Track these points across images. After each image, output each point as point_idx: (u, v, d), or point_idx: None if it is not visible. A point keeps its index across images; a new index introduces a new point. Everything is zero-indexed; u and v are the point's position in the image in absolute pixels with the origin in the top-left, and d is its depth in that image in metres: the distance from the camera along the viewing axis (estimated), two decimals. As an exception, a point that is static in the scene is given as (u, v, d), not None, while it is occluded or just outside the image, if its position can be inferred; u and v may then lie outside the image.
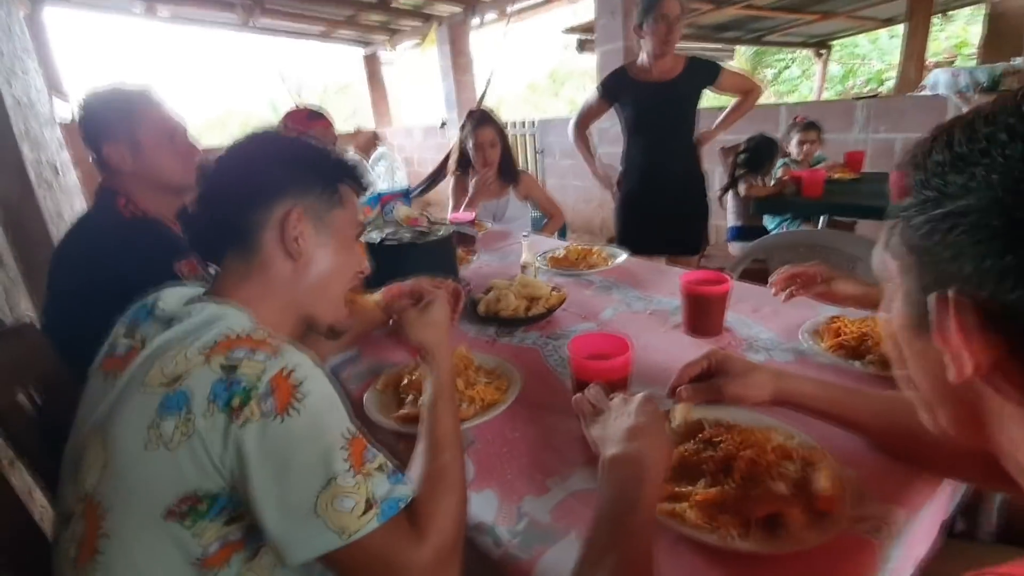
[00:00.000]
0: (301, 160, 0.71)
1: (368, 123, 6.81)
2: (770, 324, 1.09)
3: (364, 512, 0.52)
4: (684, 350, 1.01)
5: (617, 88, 2.14)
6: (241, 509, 0.54)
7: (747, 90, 2.22)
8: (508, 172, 2.25)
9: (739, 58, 9.72)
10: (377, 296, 0.84)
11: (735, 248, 2.82)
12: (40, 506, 1.10)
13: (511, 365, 0.97)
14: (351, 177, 0.75)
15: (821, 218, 2.71)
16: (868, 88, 9.25)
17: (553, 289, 1.25)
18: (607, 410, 0.68)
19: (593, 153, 2.39)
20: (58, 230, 1.80)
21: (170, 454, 0.51)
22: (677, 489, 0.64)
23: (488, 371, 0.96)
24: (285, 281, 0.69)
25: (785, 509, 0.59)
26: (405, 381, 0.90)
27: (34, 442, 0.77)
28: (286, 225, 0.67)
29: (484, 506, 0.67)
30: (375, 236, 1.28)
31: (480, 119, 2.18)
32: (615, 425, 0.64)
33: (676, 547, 0.59)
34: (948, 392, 0.36)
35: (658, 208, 2.18)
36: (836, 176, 2.65)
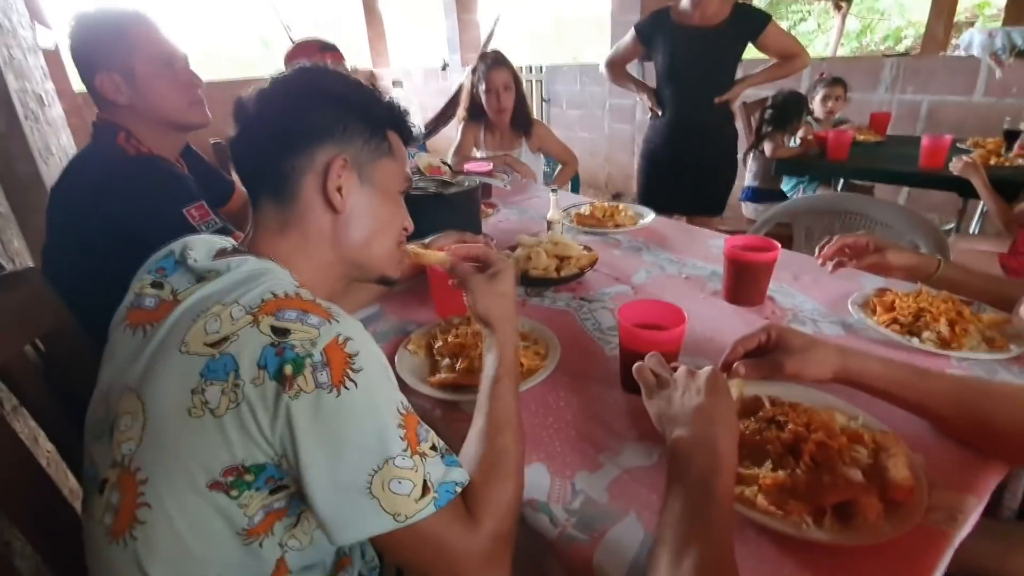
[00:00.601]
0: (350, 102, 0.63)
1: (362, 62, 6.47)
2: (813, 294, 1.05)
3: (421, 496, 0.49)
4: (727, 318, 0.97)
5: (653, 30, 2.00)
6: (287, 479, 0.50)
7: (791, 55, 2.00)
8: (522, 121, 2.12)
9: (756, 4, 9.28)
10: (442, 255, 0.77)
11: (748, 209, 2.75)
12: (46, 451, 1.07)
13: (546, 328, 0.92)
14: (401, 125, 0.68)
15: (840, 182, 2.65)
16: (885, 46, 8.92)
17: (584, 248, 1.19)
18: (672, 383, 0.64)
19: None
20: (48, 167, 1.68)
21: (216, 422, 0.46)
22: (741, 471, 0.61)
23: (523, 335, 0.91)
24: (324, 236, 0.63)
25: (860, 497, 0.56)
26: (440, 343, 0.85)
27: (40, 393, 0.72)
28: (329, 174, 0.60)
29: (535, 480, 0.64)
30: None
31: (494, 60, 2.03)
32: (682, 402, 0.60)
33: (745, 532, 0.56)
34: None
35: (684, 164, 2.09)
36: (861, 138, 2.56)
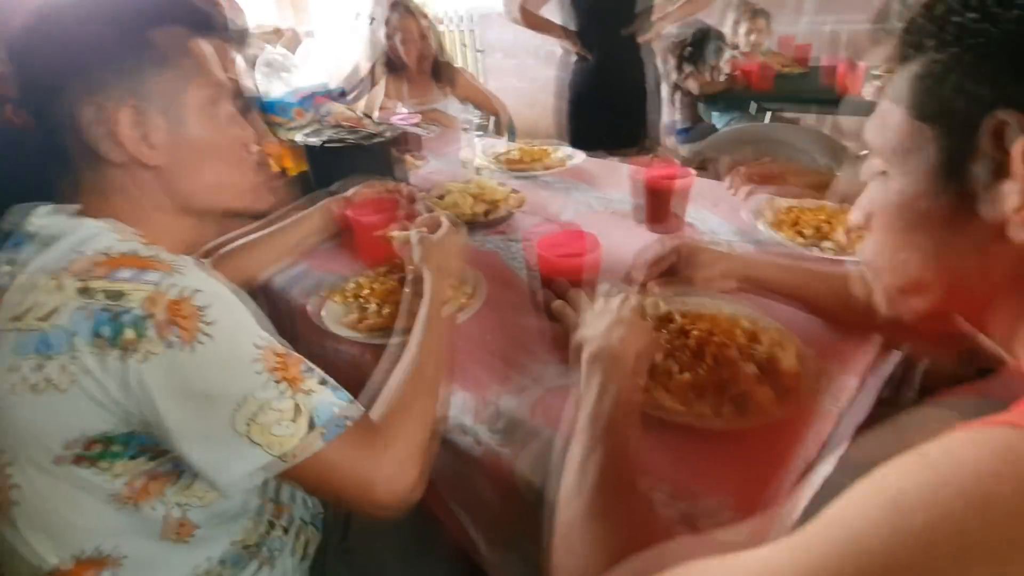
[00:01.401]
0: (116, 25, 0.51)
1: (272, 17, 6.03)
2: (729, 217, 1.10)
3: (308, 431, 0.48)
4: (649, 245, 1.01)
5: None
6: (164, 445, 0.49)
7: None
8: (443, 71, 2.07)
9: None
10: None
11: (683, 149, 2.80)
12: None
13: (472, 270, 0.93)
14: (191, 17, 0.56)
15: (767, 114, 2.72)
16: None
17: (512, 191, 1.20)
18: (588, 312, 0.67)
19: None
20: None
21: (63, 396, 0.45)
22: (652, 378, 0.65)
23: (452, 277, 0.92)
24: (152, 191, 0.56)
25: (754, 388, 0.61)
26: (367, 291, 0.85)
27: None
28: (118, 127, 0.51)
29: (462, 407, 0.66)
30: (314, 139, 1.15)
31: (405, 8, 1.97)
32: (595, 324, 0.63)
33: (655, 431, 0.60)
34: (951, 262, 0.36)
35: (611, 104, 2.10)
36: (784, 70, 2.63)
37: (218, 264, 0.84)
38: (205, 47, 0.57)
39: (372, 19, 5.29)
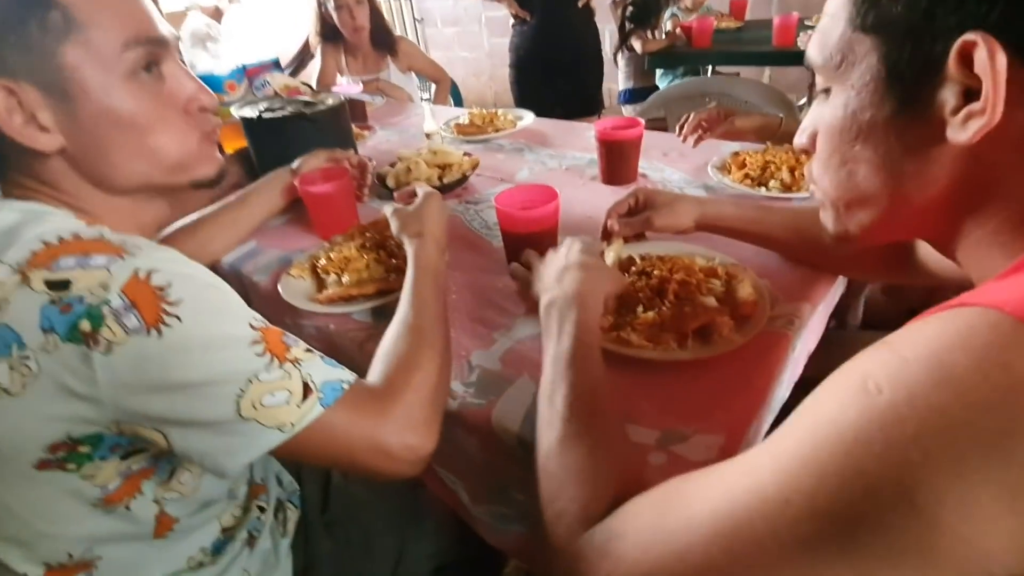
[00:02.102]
0: None
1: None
2: (680, 166, 1.12)
3: (303, 399, 0.45)
4: (604, 198, 1.01)
5: None
6: (139, 443, 0.46)
7: None
8: (383, 39, 1.98)
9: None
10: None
11: (629, 110, 2.82)
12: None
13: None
14: None
15: (709, 69, 2.77)
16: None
17: (465, 155, 1.18)
18: (540, 266, 0.67)
19: None
20: None
21: (16, 401, 0.41)
22: (619, 319, 0.66)
23: (411, 242, 0.91)
24: (67, 173, 0.49)
25: (715, 318, 0.63)
26: (323, 261, 0.82)
27: None
28: (12, 116, 0.45)
29: (433, 366, 0.66)
30: (249, 112, 1.09)
31: None
32: (548, 272, 0.63)
33: (624, 369, 0.62)
34: (894, 170, 0.37)
35: (554, 67, 2.08)
36: (723, 25, 2.67)
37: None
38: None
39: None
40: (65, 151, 0.48)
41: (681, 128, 1.12)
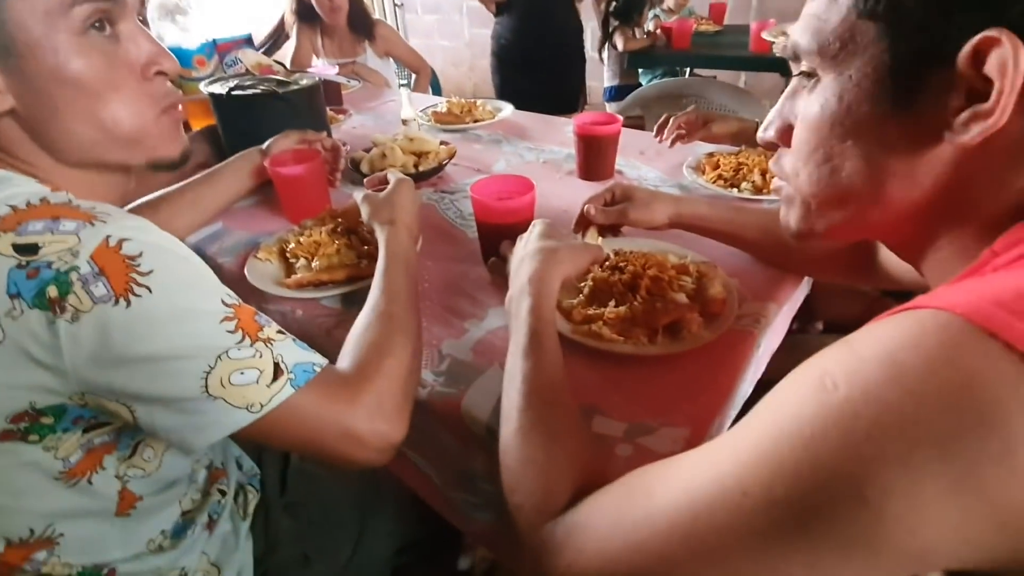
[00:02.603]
0: None
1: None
2: (656, 165, 1.13)
3: (273, 379, 0.44)
4: (580, 193, 1.01)
5: None
6: (102, 417, 0.45)
7: None
8: (361, 22, 1.93)
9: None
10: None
11: (612, 108, 2.84)
12: None
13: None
14: None
15: (687, 71, 2.81)
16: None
17: (441, 143, 1.16)
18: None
19: None
20: None
21: None
22: (591, 312, 0.67)
23: (384, 229, 0.90)
24: (20, 138, 0.47)
25: (685, 315, 0.64)
26: (292, 245, 0.80)
27: None
28: None
29: (403, 355, 0.65)
30: (218, 88, 1.05)
31: None
32: (512, 263, 0.63)
33: (595, 362, 0.62)
34: (882, 177, 0.35)
35: (534, 59, 2.08)
36: (702, 28, 2.71)
37: None
38: None
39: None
40: (16, 112, 0.45)
41: (660, 129, 1.13)
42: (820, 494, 0.26)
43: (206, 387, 0.42)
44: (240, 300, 0.47)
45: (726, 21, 2.91)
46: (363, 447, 0.48)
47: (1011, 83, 0.29)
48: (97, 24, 0.46)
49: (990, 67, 0.29)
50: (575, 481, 0.41)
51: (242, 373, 0.43)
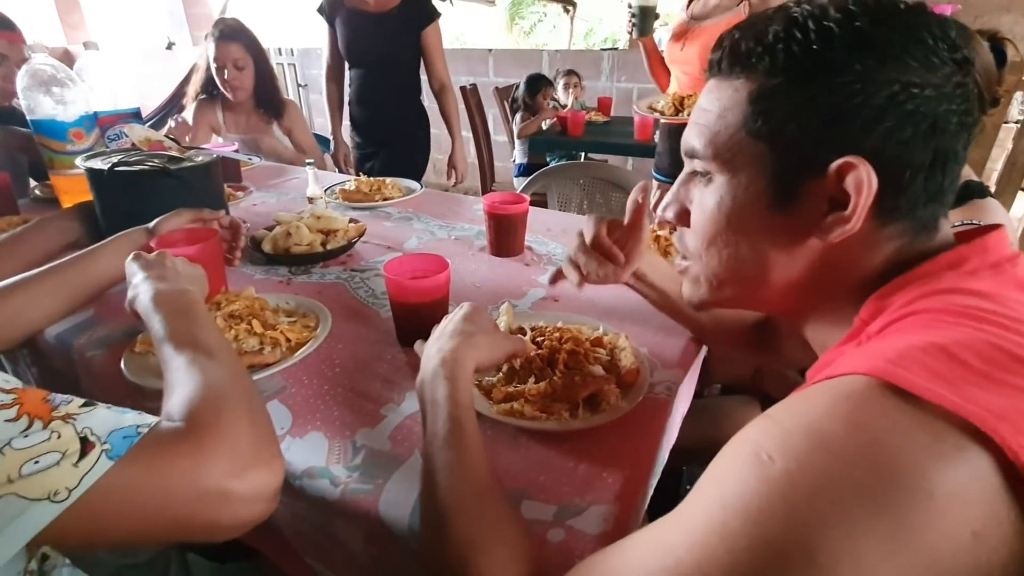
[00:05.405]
0: None
1: (52, 38, 5.10)
2: (562, 240, 1.19)
3: (81, 456, 0.37)
4: (493, 269, 1.04)
5: (332, 10, 1.96)
6: None
7: (441, 83, 2.05)
8: (269, 101, 1.89)
9: (500, 3, 10.04)
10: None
11: (519, 183, 3.02)
12: None
13: (314, 301, 0.86)
14: None
15: (583, 155, 3.08)
16: (607, 44, 10.58)
17: (351, 221, 1.14)
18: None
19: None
20: None
21: None
22: (512, 390, 0.66)
23: (289, 311, 0.84)
24: None
25: (603, 386, 0.66)
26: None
27: None
28: None
29: (312, 451, 0.59)
30: (98, 163, 0.97)
31: (223, 31, 1.76)
32: (430, 341, 0.61)
33: (518, 440, 0.61)
34: (766, 263, 0.43)
35: (379, 142, 2.16)
36: (593, 118, 3.01)
37: None
38: None
39: (170, 44, 4.74)
40: None
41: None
42: (775, 565, 0.27)
43: (6, 487, 0.34)
44: (23, 384, 0.41)
45: (612, 113, 3.25)
46: (227, 503, 0.41)
47: (864, 199, 0.37)
48: None
49: (848, 184, 0.37)
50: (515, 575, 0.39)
51: (36, 461, 0.36)
